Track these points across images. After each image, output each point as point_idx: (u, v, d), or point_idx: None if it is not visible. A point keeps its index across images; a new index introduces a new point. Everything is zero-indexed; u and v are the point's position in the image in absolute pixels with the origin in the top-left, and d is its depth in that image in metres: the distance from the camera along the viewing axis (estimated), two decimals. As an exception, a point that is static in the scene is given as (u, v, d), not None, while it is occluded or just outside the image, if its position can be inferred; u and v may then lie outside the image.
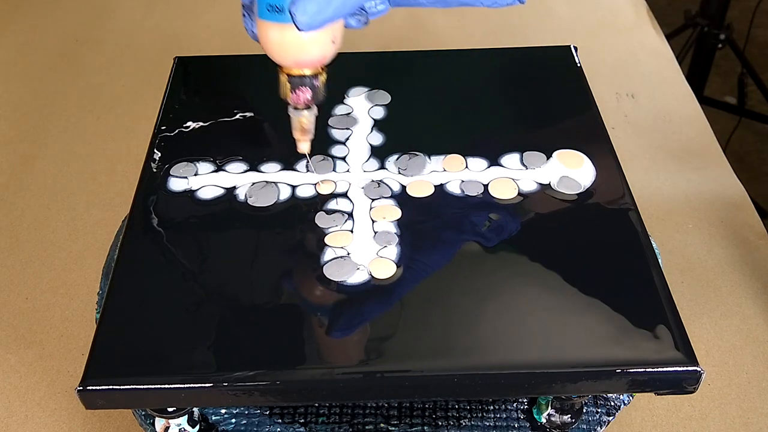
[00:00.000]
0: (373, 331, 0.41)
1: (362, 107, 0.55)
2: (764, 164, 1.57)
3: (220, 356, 0.40)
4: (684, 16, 1.43)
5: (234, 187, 0.49)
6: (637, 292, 0.43)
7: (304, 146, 0.49)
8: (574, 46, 0.60)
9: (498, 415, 0.48)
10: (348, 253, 0.45)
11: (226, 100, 0.56)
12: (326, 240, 0.46)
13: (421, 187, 0.49)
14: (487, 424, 0.48)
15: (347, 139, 0.53)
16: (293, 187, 0.49)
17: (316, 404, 0.48)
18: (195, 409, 0.46)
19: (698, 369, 0.39)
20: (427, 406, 0.48)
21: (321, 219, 0.47)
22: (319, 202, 0.48)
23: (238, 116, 0.55)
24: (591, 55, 0.80)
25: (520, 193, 0.48)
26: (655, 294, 0.42)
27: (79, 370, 0.42)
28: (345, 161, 0.51)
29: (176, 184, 0.50)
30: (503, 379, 0.39)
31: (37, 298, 0.60)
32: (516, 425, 0.48)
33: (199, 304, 0.43)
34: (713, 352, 0.56)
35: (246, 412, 0.48)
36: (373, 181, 0.50)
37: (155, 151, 0.52)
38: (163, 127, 0.54)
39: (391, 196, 0.49)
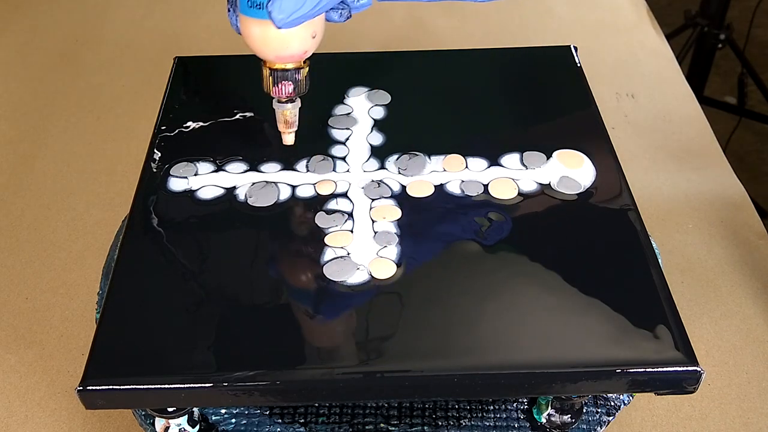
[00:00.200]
0: (373, 331, 0.41)
1: (362, 107, 0.55)
2: (764, 164, 1.57)
3: (220, 356, 0.40)
4: (684, 16, 1.43)
5: (234, 187, 0.49)
6: (637, 292, 0.43)
7: (288, 138, 0.49)
8: (574, 46, 0.60)
9: (498, 415, 0.48)
10: (348, 253, 0.45)
11: (226, 100, 0.56)
12: (326, 240, 0.46)
13: (421, 187, 0.49)
14: (487, 424, 0.48)
15: (347, 139, 0.53)
16: (293, 187, 0.49)
17: (316, 404, 0.48)
18: (195, 409, 0.46)
19: (698, 369, 0.39)
20: (427, 406, 0.48)
21: (321, 219, 0.47)
22: (319, 202, 0.48)
23: (238, 116, 0.55)
24: (591, 55, 0.80)
25: (520, 193, 0.48)
26: (655, 294, 0.42)
27: (79, 370, 0.42)
28: (345, 161, 0.51)
29: (176, 184, 0.50)
30: (503, 379, 0.39)
31: (37, 298, 0.60)
32: (516, 425, 0.48)
33: (199, 304, 0.43)
34: (713, 352, 0.56)
35: (246, 412, 0.48)
36: (373, 181, 0.50)
37: (155, 151, 0.52)
38: (163, 127, 0.54)
39: (391, 196, 0.49)
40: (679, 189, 0.68)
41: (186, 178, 0.50)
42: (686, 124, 0.74)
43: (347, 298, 0.43)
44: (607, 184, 0.49)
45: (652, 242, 0.47)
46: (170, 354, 0.40)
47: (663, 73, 0.81)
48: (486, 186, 0.49)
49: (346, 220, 0.47)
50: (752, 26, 1.53)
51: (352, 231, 0.46)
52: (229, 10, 0.45)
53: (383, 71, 0.59)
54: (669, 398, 0.53)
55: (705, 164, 0.70)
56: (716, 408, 0.52)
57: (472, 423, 0.48)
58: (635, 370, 0.39)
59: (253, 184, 0.50)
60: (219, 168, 0.51)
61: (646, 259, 0.44)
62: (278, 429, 0.48)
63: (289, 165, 0.51)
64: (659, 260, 0.45)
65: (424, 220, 0.47)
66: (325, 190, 0.49)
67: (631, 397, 0.49)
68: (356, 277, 0.44)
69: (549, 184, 0.49)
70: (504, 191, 0.48)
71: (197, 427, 0.47)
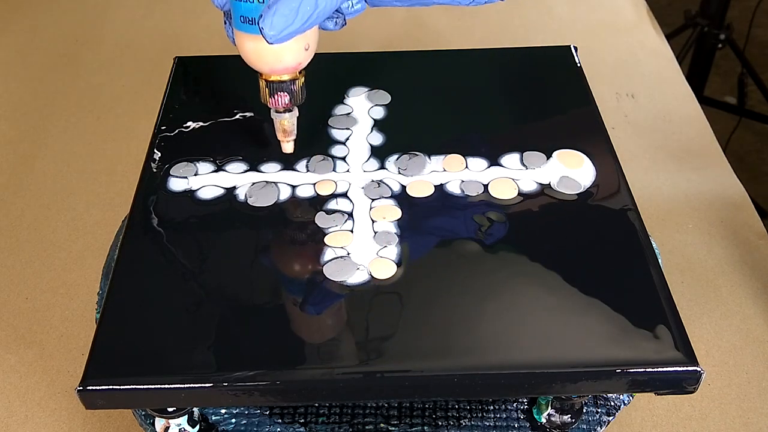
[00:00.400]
0: (373, 331, 0.41)
1: (362, 107, 0.55)
2: (764, 164, 1.57)
3: (220, 356, 0.40)
4: (684, 16, 1.43)
5: (234, 187, 0.49)
6: (637, 292, 0.43)
7: (288, 147, 0.50)
8: (574, 46, 0.60)
9: (498, 415, 0.48)
10: (348, 253, 0.45)
11: (226, 100, 0.56)
12: (326, 240, 0.46)
13: (421, 187, 0.49)
14: (487, 424, 0.48)
15: (347, 139, 0.53)
16: (293, 187, 0.49)
17: (316, 404, 0.48)
18: (195, 409, 0.46)
19: (698, 369, 0.39)
20: (427, 406, 0.48)
21: (321, 219, 0.47)
22: (319, 202, 0.48)
23: (238, 116, 0.55)
24: (591, 55, 0.80)
25: (520, 193, 0.48)
26: (655, 294, 0.42)
27: (79, 370, 0.42)
28: (345, 161, 0.51)
29: (176, 184, 0.50)
30: (503, 379, 0.39)
31: (37, 298, 0.60)
32: (516, 425, 0.48)
33: (199, 304, 0.43)
34: (713, 352, 0.56)
35: (246, 412, 0.48)
36: (373, 181, 0.50)
37: (155, 151, 0.52)
38: (163, 127, 0.54)
39: (391, 196, 0.49)
40: (679, 189, 0.68)
41: (186, 178, 0.50)
42: (686, 124, 0.74)
43: (347, 298, 0.43)
44: (607, 184, 0.49)
45: (652, 242, 0.47)
46: (170, 354, 0.40)
47: (663, 73, 0.81)
48: (486, 186, 0.49)
49: (346, 220, 0.47)
50: (752, 26, 1.53)
51: (352, 231, 0.46)
52: (225, 23, 0.46)
53: (383, 71, 0.59)
54: (669, 398, 0.53)
55: (705, 164, 0.70)
56: (716, 408, 0.52)
57: (472, 423, 0.48)
58: (635, 370, 0.39)
59: (253, 184, 0.50)
60: (219, 168, 0.51)
61: (646, 259, 0.44)
62: (278, 429, 0.48)
63: (289, 165, 0.51)
64: (659, 260, 0.45)
65: (424, 220, 0.47)
66: (325, 190, 0.49)
67: (631, 397, 0.49)
68: (356, 277, 0.44)
69: (549, 184, 0.49)
70: (504, 191, 0.48)
71: (197, 427, 0.47)
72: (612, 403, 0.49)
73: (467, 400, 0.49)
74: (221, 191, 0.49)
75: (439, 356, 0.40)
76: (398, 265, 0.44)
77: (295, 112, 0.48)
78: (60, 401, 0.53)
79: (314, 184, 0.49)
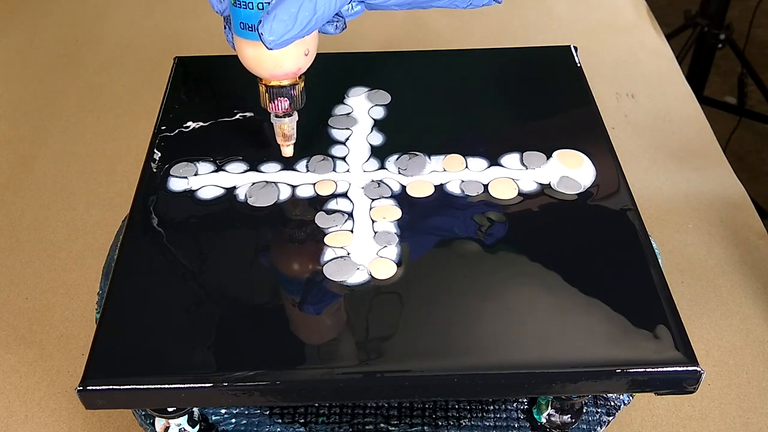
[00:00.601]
0: (373, 331, 0.41)
1: (362, 107, 0.55)
2: (764, 164, 1.57)
3: (220, 356, 0.40)
4: (684, 16, 1.43)
5: (234, 187, 0.49)
6: (637, 292, 0.43)
7: (287, 150, 0.50)
8: (574, 46, 0.60)
9: (498, 415, 0.48)
10: (348, 253, 0.45)
11: (226, 100, 0.56)
12: (326, 240, 0.46)
13: (421, 187, 0.49)
14: (487, 424, 0.48)
15: (347, 139, 0.53)
16: (293, 187, 0.49)
17: (316, 404, 0.48)
18: (195, 409, 0.46)
19: (698, 369, 0.39)
20: (427, 406, 0.48)
21: (321, 219, 0.47)
22: (318, 202, 0.48)
23: (238, 116, 0.55)
24: (591, 55, 0.80)
25: (520, 193, 0.48)
26: (655, 294, 0.42)
27: (79, 370, 0.42)
28: (345, 161, 0.51)
29: (176, 184, 0.50)
30: (503, 379, 0.39)
31: (37, 298, 0.60)
32: (516, 425, 0.48)
33: (199, 304, 0.43)
34: (713, 352, 0.56)
35: (246, 412, 0.48)
36: (373, 181, 0.50)
37: (155, 151, 0.52)
38: (163, 127, 0.54)
39: (391, 196, 0.49)
40: (679, 189, 0.68)
41: (186, 178, 0.50)
42: (686, 124, 0.74)
43: (347, 298, 0.43)
44: (607, 184, 0.49)
45: (652, 242, 0.47)
46: (170, 354, 0.40)
47: (663, 73, 0.81)
48: (486, 186, 0.49)
49: (346, 220, 0.47)
50: (752, 26, 1.53)
51: (352, 231, 0.46)
52: (225, 28, 0.46)
53: (383, 71, 0.59)
54: (669, 398, 0.53)
55: (705, 164, 0.70)
56: (716, 408, 0.52)
57: (472, 423, 0.48)
58: (635, 370, 0.39)
59: (253, 184, 0.50)
60: (219, 168, 0.51)
61: (646, 259, 0.44)
62: (278, 429, 0.48)
63: (289, 165, 0.51)
64: (659, 260, 0.45)
65: (424, 220, 0.47)
66: (325, 190, 0.49)
67: (631, 397, 0.49)
68: (356, 277, 0.44)
69: (549, 184, 0.49)
70: (504, 191, 0.48)
71: (197, 427, 0.47)
72: (612, 403, 0.49)
73: (467, 400, 0.49)
74: (221, 191, 0.49)
75: (439, 356, 0.40)
76: (398, 265, 0.44)
77: (295, 116, 0.49)
78: (60, 401, 0.53)
79: (314, 184, 0.49)
